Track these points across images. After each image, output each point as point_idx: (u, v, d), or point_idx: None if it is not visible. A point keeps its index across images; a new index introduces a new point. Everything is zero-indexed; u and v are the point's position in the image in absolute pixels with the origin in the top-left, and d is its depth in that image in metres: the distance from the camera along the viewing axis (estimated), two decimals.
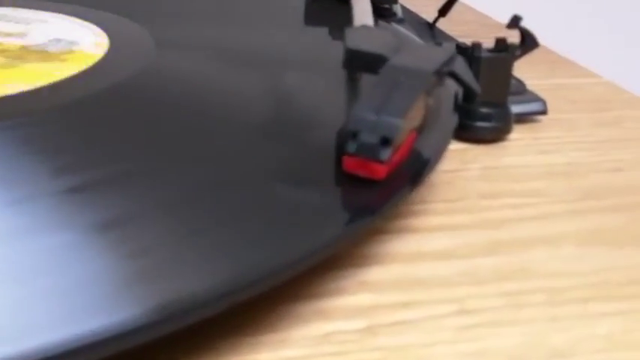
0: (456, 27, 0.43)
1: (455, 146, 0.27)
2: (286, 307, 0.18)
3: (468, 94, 0.23)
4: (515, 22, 0.26)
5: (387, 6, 0.37)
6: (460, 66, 0.22)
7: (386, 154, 0.19)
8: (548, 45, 0.39)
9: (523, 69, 0.36)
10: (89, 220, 0.18)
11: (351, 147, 0.19)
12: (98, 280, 0.15)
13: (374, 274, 0.20)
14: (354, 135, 0.19)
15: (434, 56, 0.22)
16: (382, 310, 0.18)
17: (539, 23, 0.39)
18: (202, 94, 0.25)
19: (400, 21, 0.37)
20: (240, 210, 0.18)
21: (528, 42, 0.27)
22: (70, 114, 0.23)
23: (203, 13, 0.35)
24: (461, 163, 0.26)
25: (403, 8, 0.42)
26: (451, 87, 0.27)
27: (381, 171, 0.19)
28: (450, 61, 0.22)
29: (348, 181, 0.20)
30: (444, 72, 0.22)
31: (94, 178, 0.19)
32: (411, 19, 0.40)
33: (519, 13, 0.25)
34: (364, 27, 0.24)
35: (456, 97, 0.26)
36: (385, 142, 0.19)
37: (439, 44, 0.33)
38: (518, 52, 0.27)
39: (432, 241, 0.21)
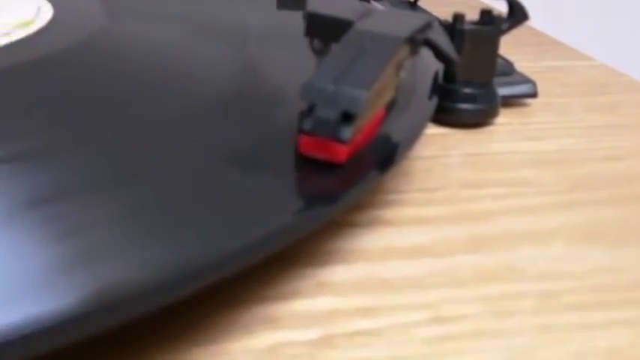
0: (441, 8, 0.40)
1: (435, 130, 0.24)
2: (227, 312, 0.15)
3: (446, 65, 0.20)
4: None
5: None
6: (437, 34, 0.19)
7: (347, 132, 0.16)
8: (539, 28, 0.36)
9: (511, 51, 0.33)
10: (15, 196, 0.15)
11: (307, 124, 0.17)
12: (24, 264, 0.13)
13: (336, 274, 0.17)
14: (311, 110, 0.16)
15: (407, 22, 0.19)
16: (342, 316, 0.16)
17: (530, 6, 0.36)
18: (152, 66, 0.22)
19: None
20: (182, 192, 0.16)
21: (517, 14, 0.24)
22: None
23: None
24: (441, 149, 0.23)
25: None
26: (431, 63, 0.24)
27: (341, 152, 0.16)
28: (426, 28, 0.19)
29: (307, 164, 0.17)
30: (418, 39, 0.19)
31: (20, 150, 0.16)
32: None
33: None
34: None
35: (436, 75, 0.24)
36: (346, 118, 0.16)
37: None
38: (505, 26, 0.24)
39: (406, 236, 0.19)
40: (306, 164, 0.17)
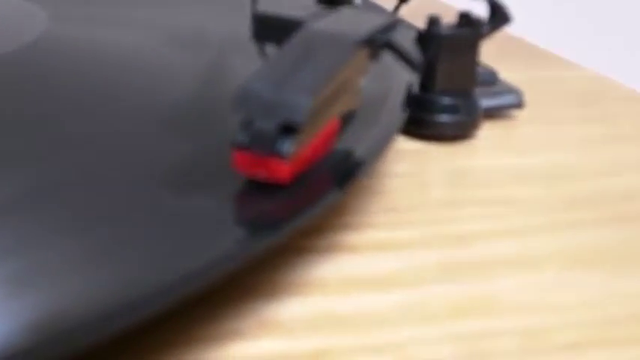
0: (422, 19, 0.38)
1: (411, 145, 0.22)
2: (147, 357, 0.13)
3: (411, 70, 0.18)
4: None
5: None
6: (401, 36, 0.17)
7: (289, 146, 0.14)
8: (527, 38, 0.34)
9: (497, 61, 0.31)
10: None
11: (242, 137, 0.14)
12: None
13: (285, 310, 0.14)
14: (247, 121, 0.14)
15: (366, 23, 0.16)
16: None
17: (517, 17, 0.34)
18: (93, 75, 0.20)
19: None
20: (107, 216, 0.13)
21: (499, 16, 0.21)
22: None
23: None
24: (417, 165, 0.21)
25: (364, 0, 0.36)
26: (404, 72, 0.22)
27: (282, 170, 0.14)
28: (388, 29, 0.17)
29: (254, 184, 0.14)
30: (379, 42, 0.16)
31: None
32: (370, 7, 0.35)
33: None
34: None
35: (410, 85, 0.21)
36: (288, 130, 0.14)
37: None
38: (486, 29, 0.21)
39: (371, 265, 0.16)
40: (253, 184, 0.14)
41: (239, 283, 0.15)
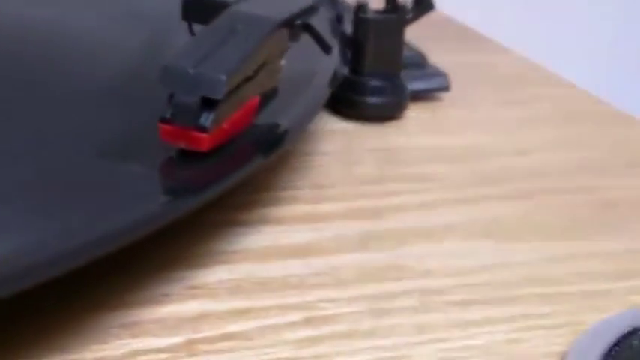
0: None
1: (340, 125, 0.24)
2: (85, 317, 0.14)
3: (325, 53, 0.19)
4: None
5: None
6: (320, 20, 0.18)
7: (208, 119, 0.15)
8: (460, 18, 0.36)
9: (429, 44, 0.33)
10: None
11: (166, 111, 0.16)
12: None
13: (212, 276, 0.16)
14: (172, 97, 0.16)
15: (287, 6, 0.18)
16: (212, 320, 0.15)
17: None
18: (37, 47, 0.21)
19: None
20: (43, 179, 0.15)
21: (424, 3, 0.23)
22: None
23: None
24: (344, 144, 0.23)
25: None
26: (333, 56, 0.24)
27: (203, 141, 0.15)
28: (307, 12, 0.18)
29: (175, 154, 0.16)
30: (297, 24, 0.18)
31: None
32: None
33: None
34: None
35: (337, 65, 0.23)
36: (208, 104, 0.15)
37: (340, 16, 0.30)
38: (410, 15, 0.23)
39: (292, 235, 0.18)
40: (180, 155, 0.16)
41: (170, 254, 0.17)
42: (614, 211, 0.20)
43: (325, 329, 0.15)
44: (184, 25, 0.20)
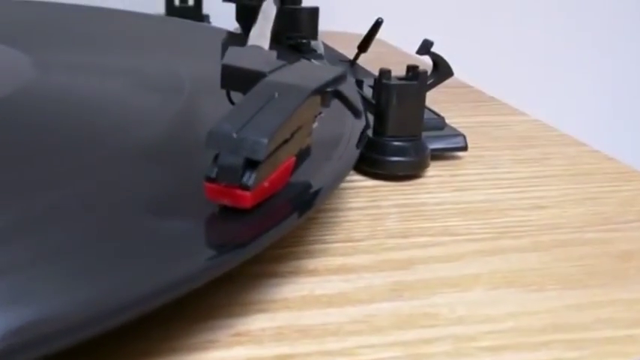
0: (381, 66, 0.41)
1: (366, 183, 0.25)
2: None
3: (355, 116, 0.21)
4: (425, 47, 0.24)
5: (304, 41, 0.35)
6: (348, 87, 0.20)
7: (251, 178, 0.17)
8: (475, 85, 0.38)
9: (446, 107, 0.34)
10: None
11: (211, 171, 0.17)
12: None
13: (253, 323, 0.17)
14: (216, 158, 0.17)
15: (318, 74, 0.19)
16: None
17: (468, 64, 0.37)
18: (77, 117, 0.23)
19: (319, 57, 0.35)
20: (93, 239, 0.16)
21: (442, 70, 0.25)
22: None
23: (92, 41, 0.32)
24: (370, 200, 0.24)
25: (325, 46, 0.40)
26: (360, 120, 0.25)
27: (246, 198, 0.17)
28: (337, 80, 0.20)
29: (222, 212, 0.17)
30: (328, 91, 0.19)
31: None
32: (332, 56, 0.38)
33: (443, 52, 0.23)
34: (250, 47, 0.22)
35: (364, 129, 0.24)
36: (250, 164, 0.17)
37: (360, 81, 0.31)
38: (430, 81, 0.25)
39: (327, 285, 0.19)
40: (222, 212, 0.17)
41: (212, 303, 0.18)
42: (630, 261, 0.21)
43: None
44: (213, 93, 0.22)
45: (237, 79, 0.20)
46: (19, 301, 0.13)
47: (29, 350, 0.12)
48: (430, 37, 0.25)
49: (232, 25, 0.38)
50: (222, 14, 0.42)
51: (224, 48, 0.34)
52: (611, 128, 0.63)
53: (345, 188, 0.24)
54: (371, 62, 0.42)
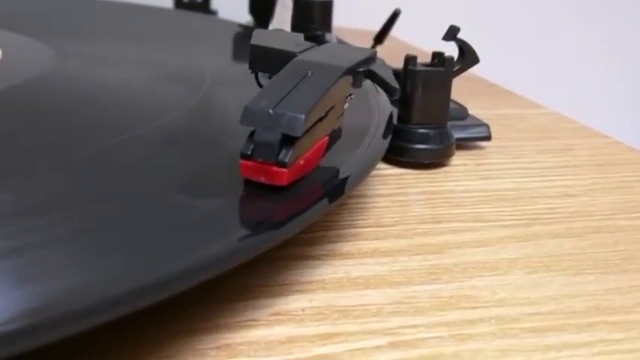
0: (397, 60, 0.41)
1: (392, 171, 0.25)
2: (178, 339, 0.15)
3: (389, 95, 0.20)
4: (452, 33, 0.24)
5: (318, 33, 0.35)
6: (379, 66, 0.20)
7: (287, 155, 0.16)
8: (491, 79, 0.37)
9: (465, 99, 0.34)
10: None
11: (247, 148, 0.16)
12: None
13: (293, 304, 0.17)
14: (252, 135, 0.16)
15: (349, 55, 0.19)
16: (300, 344, 0.15)
17: (483, 58, 0.37)
18: (111, 102, 0.22)
19: None
20: (128, 216, 0.15)
21: (468, 57, 0.24)
22: None
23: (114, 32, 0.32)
24: (398, 187, 0.23)
25: (339, 41, 0.39)
26: (386, 106, 0.25)
27: (282, 175, 0.16)
28: (368, 60, 0.19)
29: (256, 190, 0.17)
30: (360, 71, 0.19)
31: None
32: None
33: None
34: (275, 30, 0.22)
35: (391, 115, 0.24)
36: (286, 141, 0.16)
37: None
38: (457, 67, 0.24)
39: (363, 267, 0.18)
40: (256, 190, 0.17)
41: (250, 283, 0.17)
42: None
43: (412, 353, 0.15)
44: (232, 82, 0.21)
45: (266, 60, 0.20)
46: (58, 275, 0.13)
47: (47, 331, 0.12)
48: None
49: (240, 21, 0.38)
50: (230, 9, 0.41)
51: (238, 38, 0.33)
52: (623, 123, 0.63)
53: (371, 175, 0.24)
54: (384, 57, 0.42)
